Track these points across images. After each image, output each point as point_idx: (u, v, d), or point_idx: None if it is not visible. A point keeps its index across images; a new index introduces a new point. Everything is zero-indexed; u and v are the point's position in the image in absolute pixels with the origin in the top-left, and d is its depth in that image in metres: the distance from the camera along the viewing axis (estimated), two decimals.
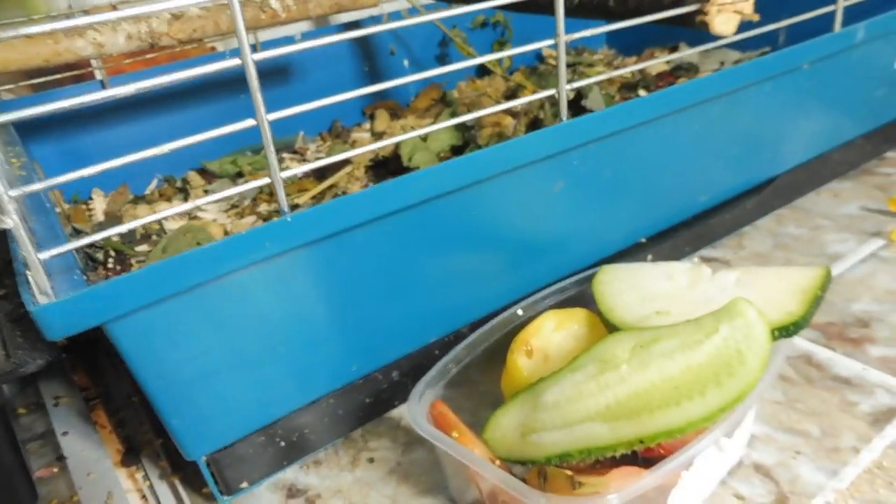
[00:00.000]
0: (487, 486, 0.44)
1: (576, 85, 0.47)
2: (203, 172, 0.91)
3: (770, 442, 0.48)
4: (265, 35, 0.97)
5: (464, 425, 0.46)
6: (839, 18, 0.61)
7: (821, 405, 0.51)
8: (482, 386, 0.55)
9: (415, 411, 0.45)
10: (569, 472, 0.39)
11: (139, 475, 0.54)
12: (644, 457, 0.42)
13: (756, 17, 0.50)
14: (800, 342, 0.57)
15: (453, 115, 0.86)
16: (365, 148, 0.43)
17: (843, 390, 0.52)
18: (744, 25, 0.53)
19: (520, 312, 0.55)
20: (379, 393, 0.53)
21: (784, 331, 0.44)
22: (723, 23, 0.49)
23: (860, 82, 0.71)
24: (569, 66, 1.08)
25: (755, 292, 0.48)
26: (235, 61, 0.37)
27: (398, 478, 0.50)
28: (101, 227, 0.77)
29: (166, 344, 0.39)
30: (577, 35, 0.46)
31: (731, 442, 0.44)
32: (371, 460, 0.52)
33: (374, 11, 1.01)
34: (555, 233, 0.56)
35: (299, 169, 0.40)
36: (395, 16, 1.03)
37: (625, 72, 0.49)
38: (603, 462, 0.41)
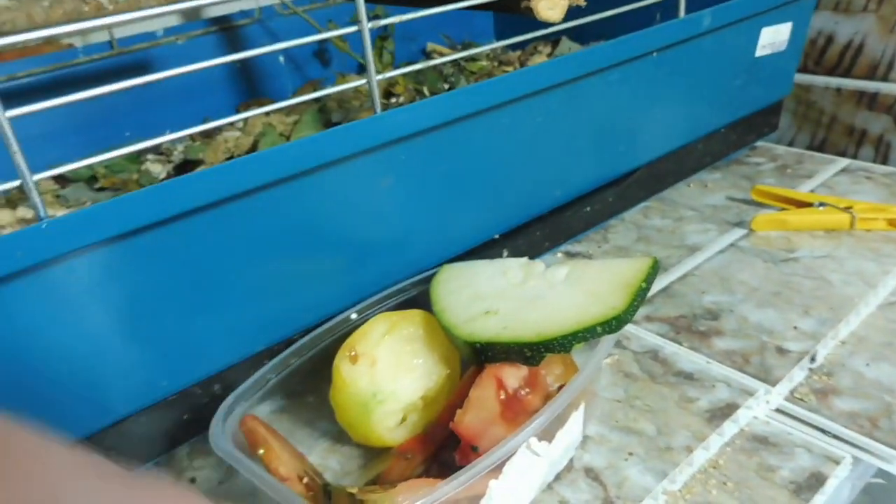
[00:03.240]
0: None
1: (388, 75, 0.45)
2: (58, 177, 0.86)
3: (603, 443, 0.46)
4: (125, 30, 0.92)
5: (275, 440, 0.43)
6: (682, 4, 0.60)
7: (659, 402, 0.49)
8: (310, 397, 0.52)
9: (216, 428, 0.42)
10: (351, 490, 0.36)
11: None
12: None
13: (582, 3, 0.48)
14: (648, 337, 0.56)
15: (321, 110, 0.83)
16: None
17: (683, 386, 0.50)
18: (576, 12, 0.51)
19: (353, 316, 0.52)
20: (199, 408, 0.49)
21: (607, 325, 0.42)
22: (548, 8, 0.47)
23: (718, 71, 0.71)
24: (452, 61, 1.06)
25: (582, 287, 0.46)
26: None
27: (216, 499, 0.46)
28: None
29: None
30: (382, 22, 0.43)
31: (553, 446, 0.42)
32: (193, 480, 0.48)
33: (244, 5, 0.97)
34: (391, 232, 0.53)
35: (55, 171, 0.36)
36: (268, 10, 0.99)
37: (437, 62, 0.46)
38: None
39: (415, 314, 0.49)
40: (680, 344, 0.55)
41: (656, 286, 0.62)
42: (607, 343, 0.43)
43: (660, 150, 0.71)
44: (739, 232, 0.69)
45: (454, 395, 0.46)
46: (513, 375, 0.45)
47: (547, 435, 0.41)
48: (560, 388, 0.43)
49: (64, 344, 0.40)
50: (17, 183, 0.35)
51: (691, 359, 0.53)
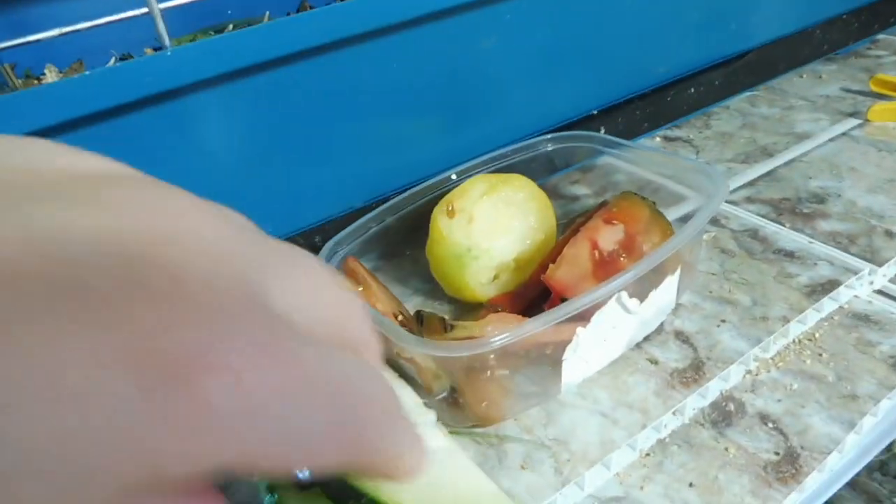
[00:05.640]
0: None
1: None
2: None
3: (696, 310, 0.46)
4: None
5: (374, 281, 0.45)
6: None
7: (757, 276, 0.49)
8: (408, 250, 0.54)
9: None
10: (443, 316, 0.37)
11: None
12: None
13: None
14: (747, 217, 0.54)
15: None
16: None
17: (783, 262, 0.49)
18: None
19: (453, 177, 0.52)
20: None
21: None
22: None
23: None
24: None
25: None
26: None
27: None
28: None
29: None
30: None
31: (646, 306, 0.42)
32: None
33: None
34: (491, 95, 0.53)
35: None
36: None
37: None
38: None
39: (515, 178, 0.49)
40: (782, 224, 0.53)
41: (759, 170, 0.60)
42: (705, 211, 0.42)
43: (773, 33, 0.67)
44: (853, 122, 0.66)
45: (548, 257, 0.47)
46: (608, 238, 0.45)
47: (639, 295, 0.41)
48: None
49: (181, 176, 0.42)
50: (143, 10, 0.37)
51: (793, 238, 0.52)
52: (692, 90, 0.65)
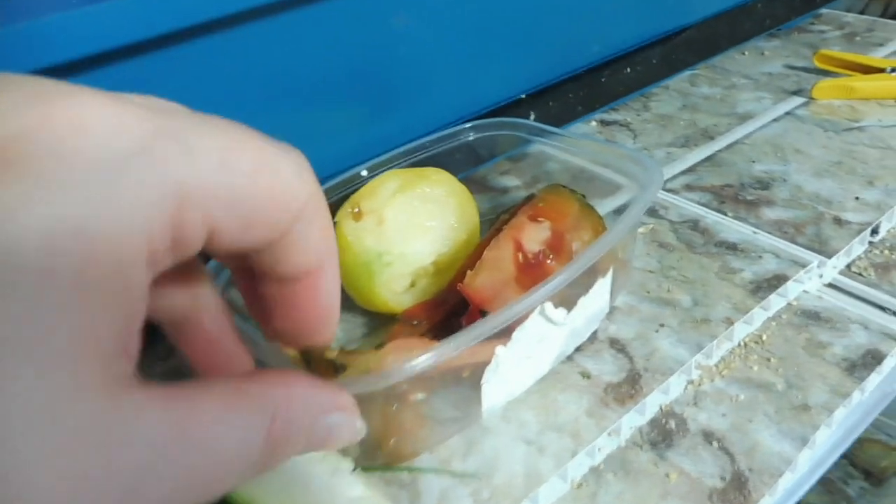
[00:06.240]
0: None
1: None
2: None
3: (632, 314, 0.42)
4: None
5: None
6: None
7: (698, 272, 0.44)
8: None
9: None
10: (330, 355, 0.32)
11: None
12: None
13: None
14: (687, 206, 0.50)
15: None
16: None
17: (725, 256, 0.45)
18: None
19: (364, 173, 0.47)
20: None
21: None
22: None
23: None
24: None
25: None
26: None
27: None
28: None
29: None
30: None
31: (575, 314, 0.37)
32: None
33: None
34: (407, 81, 0.48)
35: None
36: None
37: None
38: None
39: (432, 172, 0.44)
40: (724, 214, 0.49)
41: (700, 154, 0.56)
42: (638, 207, 0.38)
43: (713, 8, 0.63)
44: (798, 100, 0.62)
45: (469, 260, 0.42)
46: (534, 238, 0.40)
47: (567, 302, 0.37)
48: None
49: None
50: None
51: (736, 228, 0.48)
52: (629, 70, 0.61)
